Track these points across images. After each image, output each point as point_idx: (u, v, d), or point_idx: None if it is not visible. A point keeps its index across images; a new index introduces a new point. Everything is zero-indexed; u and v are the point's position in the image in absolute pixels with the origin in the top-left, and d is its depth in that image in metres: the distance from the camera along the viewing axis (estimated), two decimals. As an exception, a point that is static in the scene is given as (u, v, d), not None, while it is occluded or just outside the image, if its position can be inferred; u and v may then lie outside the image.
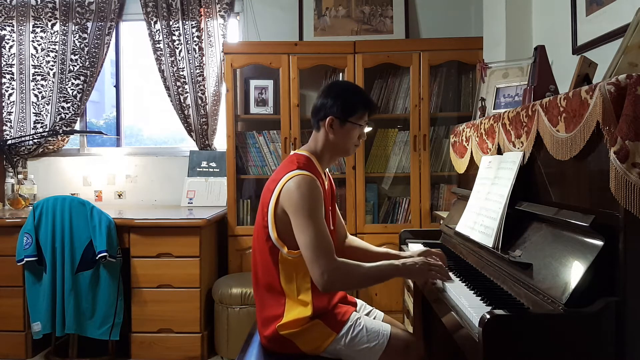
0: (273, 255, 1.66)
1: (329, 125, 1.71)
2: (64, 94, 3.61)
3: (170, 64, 3.54)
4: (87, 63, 3.60)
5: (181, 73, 3.54)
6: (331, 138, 1.73)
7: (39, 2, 3.60)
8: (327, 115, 1.71)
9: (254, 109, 3.39)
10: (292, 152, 1.79)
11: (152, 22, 3.52)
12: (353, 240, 2.03)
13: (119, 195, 3.68)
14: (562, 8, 2.19)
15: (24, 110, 3.65)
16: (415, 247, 2.07)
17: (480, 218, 1.71)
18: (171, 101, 3.56)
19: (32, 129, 3.64)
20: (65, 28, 3.61)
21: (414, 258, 1.69)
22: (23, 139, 3.60)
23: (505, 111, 1.77)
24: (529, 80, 1.84)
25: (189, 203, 3.49)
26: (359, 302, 1.92)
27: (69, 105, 3.62)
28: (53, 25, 3.62)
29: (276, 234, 1.64)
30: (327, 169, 1.86)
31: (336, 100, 1.71)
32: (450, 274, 1.69)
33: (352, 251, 1.97)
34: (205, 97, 3.53)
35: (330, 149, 1.75)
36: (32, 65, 3.63)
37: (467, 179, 2.26)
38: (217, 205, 3.44)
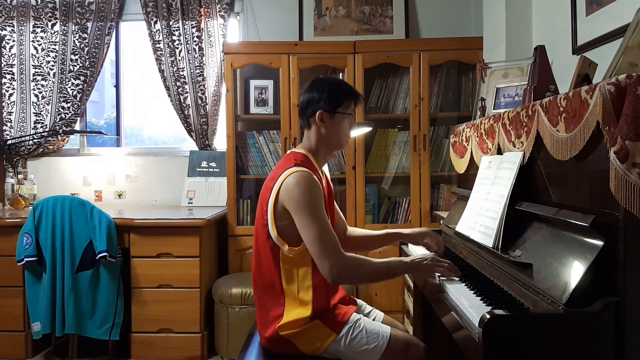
0: (274, 253, 1.66)
1: (320, 120, 1.72)
2: (64, 94, 3.61)
3: (170, 64, 3.54)
4: (87, 63, 3.60)
5: (181, 73, 3.54)
6: (323, 132, 1.74)
7: (39, 2, 3.60)
8: (316, 110, 1.72)
9: (254, 109, 3.39)
10: (288, 151, 1.80)
11: (152, 22, 3.52)
12: (353, 230, 2.06)
13: (119, 195, 3.68)
14: (562, 8, 2.19)
15: (24, 110, 3.65)
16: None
17: (480, 218, 1.71)
18: (171, 101, 3.56)
19: (32, 129, 3.64)
20: (65, 28, 3.61)
21: (423, 254, 1.71)
22: (23, 139, 3.60)
23: (505, 111, 1.77)
24: (529, 80, 1.84)
25: (189, 203, 3.49)
26: (359, 302, 1.92)
27: (69, 105, 3.62)
28: (53, 25, 3.62)
29: (276, 232, 1.64)
30: (325, 169, 1.87)
31: (322, 94, 1.73)
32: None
33: (355, 241, 2.00)
34: (205, 97, 3.53)
35: (325, 144, 1.77)
36: (32, 65, 3.63)
37: (467, 179, 2.26)
38: (217, 205, 3.44)
